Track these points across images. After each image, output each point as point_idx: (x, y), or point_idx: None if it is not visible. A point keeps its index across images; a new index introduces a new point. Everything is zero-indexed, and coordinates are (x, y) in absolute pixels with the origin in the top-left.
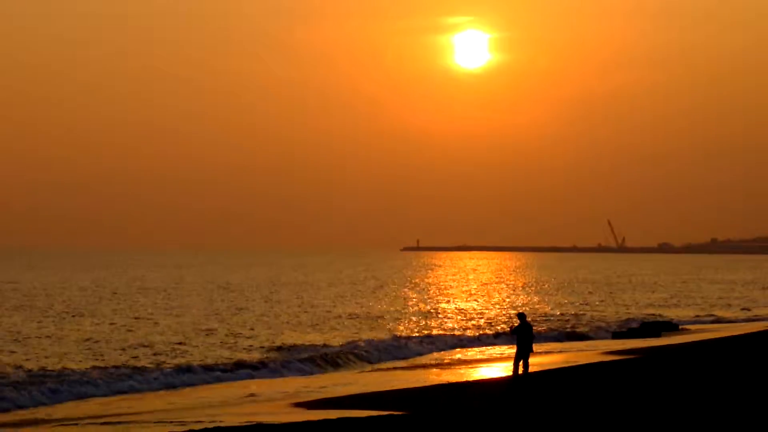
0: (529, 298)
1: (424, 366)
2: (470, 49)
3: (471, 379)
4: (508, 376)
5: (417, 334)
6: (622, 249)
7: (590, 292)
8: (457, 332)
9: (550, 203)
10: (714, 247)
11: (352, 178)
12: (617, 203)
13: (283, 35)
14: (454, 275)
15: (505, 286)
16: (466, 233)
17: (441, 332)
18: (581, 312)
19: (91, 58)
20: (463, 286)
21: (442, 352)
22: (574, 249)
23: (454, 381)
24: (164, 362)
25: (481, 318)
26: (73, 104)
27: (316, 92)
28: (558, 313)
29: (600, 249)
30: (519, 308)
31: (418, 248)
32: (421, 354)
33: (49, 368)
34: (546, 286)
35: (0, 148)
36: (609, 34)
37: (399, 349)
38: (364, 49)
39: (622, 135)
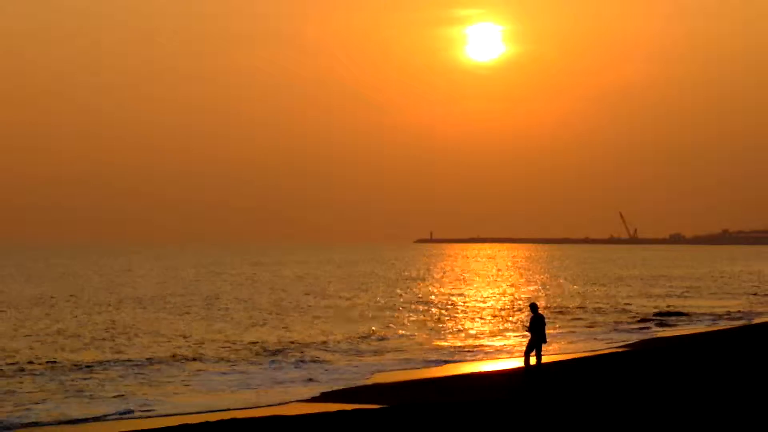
0: (558, 290)
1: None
2: (482, 41)
3: (480, 371)
4: (520, 368)
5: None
6: (633, 240)
7: (603, 285)
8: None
9: (562, 195)
10: (725, 238)
11: (365, 172)
12: (629, 195)
13: (293, 29)
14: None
15: (540, 276)
16: (478, 225)
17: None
18: (595, 303)
19: (94, 52)
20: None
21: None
22: (586, 240)
23: (463, 373)
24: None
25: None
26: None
27: (327, 86)
28: (574, 305)
29: (612, 240)
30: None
31: (431, 240)
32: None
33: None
34: (566, 278)
35: (2, 145)
36: (624, 27)
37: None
38: (375, 43)
39: (635, 127)
